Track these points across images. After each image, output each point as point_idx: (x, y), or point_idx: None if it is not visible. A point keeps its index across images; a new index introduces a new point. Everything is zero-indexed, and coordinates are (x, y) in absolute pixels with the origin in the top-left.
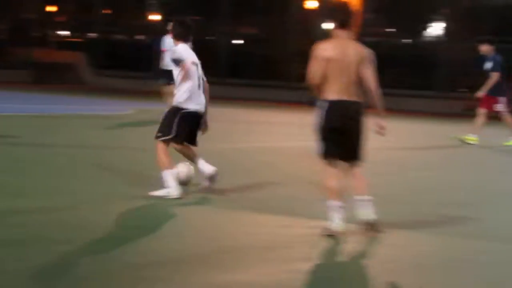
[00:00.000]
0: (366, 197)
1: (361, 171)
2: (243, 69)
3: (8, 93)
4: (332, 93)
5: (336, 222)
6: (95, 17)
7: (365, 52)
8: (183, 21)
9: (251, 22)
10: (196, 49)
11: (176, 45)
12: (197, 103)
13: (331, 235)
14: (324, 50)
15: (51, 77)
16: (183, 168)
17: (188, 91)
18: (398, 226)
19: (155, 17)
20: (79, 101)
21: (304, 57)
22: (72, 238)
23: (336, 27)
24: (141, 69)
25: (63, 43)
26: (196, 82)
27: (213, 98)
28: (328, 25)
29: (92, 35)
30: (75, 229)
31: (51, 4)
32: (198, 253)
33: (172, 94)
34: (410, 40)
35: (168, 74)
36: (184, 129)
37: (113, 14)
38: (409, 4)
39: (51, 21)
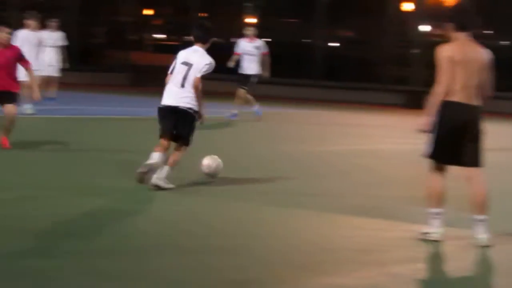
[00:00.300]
0: (481, 217)
1: (481, 179)
2: (339, 72)
3: (106, 95)
4: (454, 95)
5: (435, 228)
6: (191, 20)
7: (486, 54)
8: (201, 24)
9: (347, 25)
10: (292, 52)
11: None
12: (167, 98)
13: (429, 241)
14: (448, 52)
15: (148, 80)
16: (210, 161)
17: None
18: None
19: (251, 20)
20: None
21: (400, 59)
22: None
23: (455, 29)
24: (235, 72)
25: (159, 46)
26: (177, 80)
27: (309, 100)
28: (424, 28)
29: (188, 38)
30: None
31: (148, 7)
32: (299, 256)
33: (242, 98)
34: (508, 42)
35: (243, 78)
36: (159, 122)
37: (209, 17)
38: (507, 5)
39: (148, 24)
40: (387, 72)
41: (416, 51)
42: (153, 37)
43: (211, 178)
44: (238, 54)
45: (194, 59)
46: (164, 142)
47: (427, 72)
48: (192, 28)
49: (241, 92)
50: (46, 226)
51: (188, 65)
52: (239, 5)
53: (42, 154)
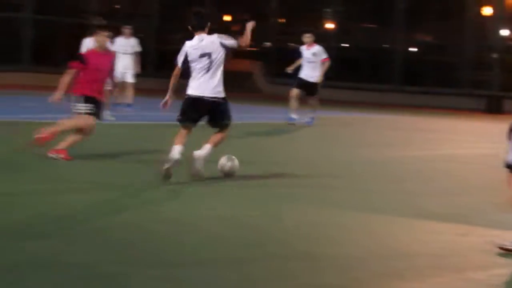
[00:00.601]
0: None
1: None
2: (418, 77)
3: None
4: None
5: None
6: (270, 26)
7: None
8: (197, 11)
9: (426, 29)
10: (371, 57)
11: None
12: (193, 89)
13: (508, 250)
14: None
15: (228, 86)
16: (226, 161)
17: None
18: None
19: (330, 25)
20: (256, 109)
21: (479, 64)
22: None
23: None
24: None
25: (239, 52)
26: (200, 71)
27: (389, 105)
28: (504, 32)
29: (267, 43)
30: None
31: (226, 13)
32: (376, 261)
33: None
34: None
35: (299, 81)
36: (186, 112)
37: (288, 23)
38: None
39: (227, 30)
40: (466, 77)
41: (495, 55)
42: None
43: (228, 176)
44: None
45: (209, 48)
46: (184, 131)
47: (507, 77)
48: (190, 17)
49: (294, 92)
50: (122, 234)
51: (207, 55)
52: (318, 11)
53: (129, 159)
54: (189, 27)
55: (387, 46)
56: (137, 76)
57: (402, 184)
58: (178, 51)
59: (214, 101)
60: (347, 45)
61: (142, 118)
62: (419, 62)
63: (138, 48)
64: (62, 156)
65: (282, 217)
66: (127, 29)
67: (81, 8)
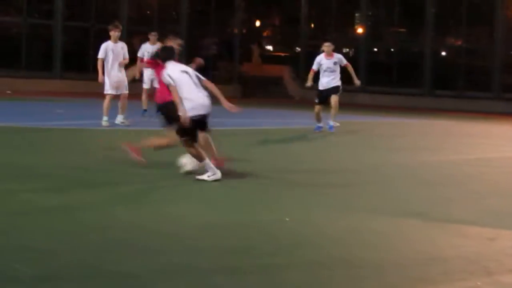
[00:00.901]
0: None
1: None
2: (448, 81)
3: (215, 107)
4: None
5: None
6: (300, 31)
7: None
8: (165, 47)
9: (456, 33)
10: (402, 61)
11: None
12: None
13: None
14: None
15: (258, 91)
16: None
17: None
18: None
19: (361, 29)
20: (286, 114)
21: (510, 67)
22: None
23: None
24: (346, 82)
25: (269, 57)
26: (190, 87)
27: (420, 109)
28: None
29: (297, 48)
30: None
31: (258, 19)
32: (410, 265)
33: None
34: None
35: (320, 94)
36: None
37: (318, 28)
38: None
39: (258, 36)
40: (497, 80)
41: None
42: (263, 48)
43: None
44: (314, 71)
45: (187, 69)
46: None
47: None
48: (160, 51)
49: (317, 108)
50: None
51: (188, 73)
52: (349, 16)
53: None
54: (161, 59)
55: (418, 50)
56: None
57: (434, 188)
58: (208, 56)
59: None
60: (377, 49)
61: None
62: (449, 66)
63: None
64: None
65: (315, 223)
66: (153, 35)
67: (111, 14)
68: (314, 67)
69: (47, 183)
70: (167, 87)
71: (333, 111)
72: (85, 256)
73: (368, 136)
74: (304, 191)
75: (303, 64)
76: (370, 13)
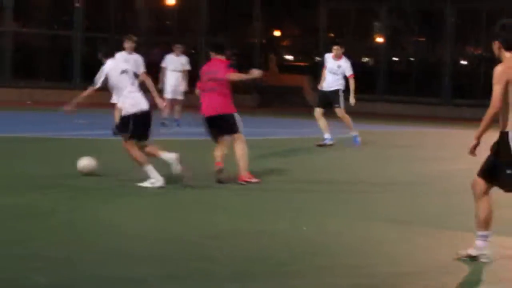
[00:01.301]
0: None
1: None
2: (469, 90)
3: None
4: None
5: None
6: (319, 41)
7: None
8: (105, 40)
9: (476, 42)
10: (421, 70)
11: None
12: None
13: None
14: (504, 74)
15: (276, 101)
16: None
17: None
18: None
19: (380, 39)
20: (303, 124)
21: None
22: None
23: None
24: (365, 92)
25: (287, 67)
26: (130, 86)
27: (440, 119)
28: None
29: (317, 58)
30: None
31: (277, 28)
32: (425, 273)
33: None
34: None
35: (321, 96)
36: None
37: (338, 38)
38: None
39: (276, 46)
40: None
41: None
42: (281, 58)
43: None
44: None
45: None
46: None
47: None
48: (99, 46)
49: (317, 112)
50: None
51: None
52: (368, 25)
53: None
54: (102, 54)
55: (437, 59)
56: (186, 93)
57: (451, 198)
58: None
59: None
60: (397, 58)
61: (188, 134)
62: (469, 75)
63: (187, 67)
64: (253, 179)
65: (333, 232)
66: (178, 47)
67: (130, 25)
68: (325, 64)
69: (69, 192)
70: (215, 99)
71: (345, 123)
72: (98, 264)
73: (386, 145)
74: (322, 200)
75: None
76: (389, 23)
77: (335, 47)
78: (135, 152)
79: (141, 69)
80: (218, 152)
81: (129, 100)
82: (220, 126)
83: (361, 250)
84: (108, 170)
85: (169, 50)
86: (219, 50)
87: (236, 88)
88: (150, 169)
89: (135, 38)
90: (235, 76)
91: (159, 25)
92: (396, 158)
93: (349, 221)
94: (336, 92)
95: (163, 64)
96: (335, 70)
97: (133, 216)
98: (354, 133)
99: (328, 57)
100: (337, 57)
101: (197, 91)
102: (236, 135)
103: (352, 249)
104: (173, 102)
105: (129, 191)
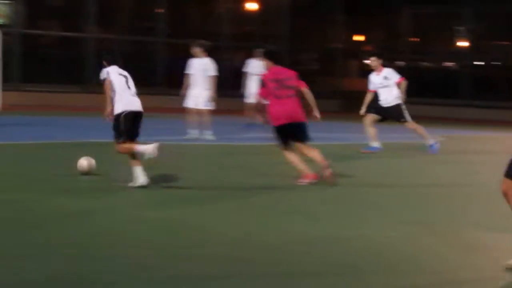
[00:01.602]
0: None
1: None
2: None
3: (316, 122)
4: None
5: None
6: (402, 45)
7: None
8: (111, 51)
9: None
10: (506, 75)
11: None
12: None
13: None
14: None
15: (358, 106)
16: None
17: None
18: None
19: (463, 43)
20: (384, 129)
21: None
22: None
23: None
24: (449, 96)
25: (370, 72)
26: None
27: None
28: None
29: (400, 63)
30: None
31: (359, 33)
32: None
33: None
34: None
35: (380, 109)
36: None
37: (420, 42)
38: None
39: (359, 50)
40: None
41: None
42: (364, 63)
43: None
44: (372, 92)
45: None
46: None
47: None
48: (104, 55)
49: (367, 118)
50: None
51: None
52: (450, 29)
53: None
54: (106, 62)
55: None
56: None
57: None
58: (312, 71)
59: None
60: (481, 63)
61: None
62: None
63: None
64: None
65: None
66: (259, 52)
67: (213, 31)
68: (370, 87)
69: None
70: (292, 107)
71: (419, 134)
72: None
73: (472, 151)
74: (402, 205)
75: (406, 78)
76: (472, 27)
77: (372, 59)
78: (125, 150)
79: (211, 73)
80: (300, 165)
81: (124, 100)
82: (295, 133)
83: (444, 257)
84: (189, 175)
85: (252, 55)
86: (279, 61)
87: (318, 93)
88: (138, 169)
89: (202, 42)
90: (309, 93)
91: (241, 30)
92: (485, 163)
93: (437, 227)
94: (397, 107)
95: (246, 69)
96: (385, 83)
97: (220, 218)
98: (430, 141)
99: (371, 76)
100: (378, 70)
101: (260, 98)
102: (306, 143)
103: (436, 256)
104: (257, 106)
105: (213, 194)
